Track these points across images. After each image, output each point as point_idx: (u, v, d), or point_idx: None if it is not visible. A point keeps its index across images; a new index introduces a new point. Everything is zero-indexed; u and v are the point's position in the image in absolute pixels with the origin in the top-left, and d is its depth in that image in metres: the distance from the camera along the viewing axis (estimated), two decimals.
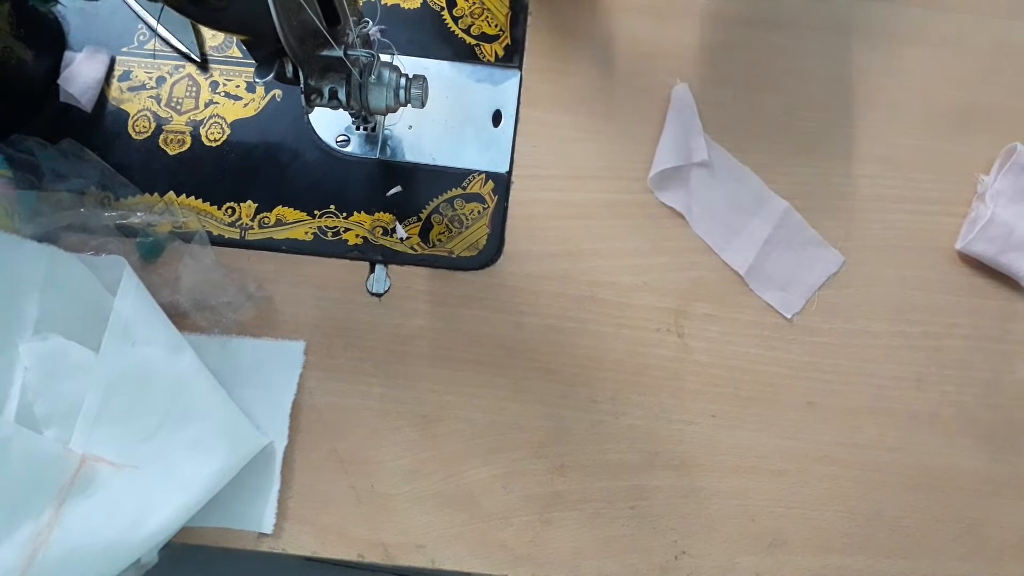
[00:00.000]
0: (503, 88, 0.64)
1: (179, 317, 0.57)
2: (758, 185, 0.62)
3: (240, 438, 0.54)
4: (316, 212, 0.61)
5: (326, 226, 0.60)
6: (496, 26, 0.65)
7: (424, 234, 0.61)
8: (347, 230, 0.60)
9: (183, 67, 0.64)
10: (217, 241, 0.60)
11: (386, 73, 0.53)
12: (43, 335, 0.53)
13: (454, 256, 0.60)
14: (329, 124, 0.63)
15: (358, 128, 0.62)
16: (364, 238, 0.60)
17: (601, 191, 0.62)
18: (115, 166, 0.60)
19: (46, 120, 0.62)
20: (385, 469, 0.56)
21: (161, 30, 0.64)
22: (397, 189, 0.61)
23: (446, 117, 0.63)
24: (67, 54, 0.63)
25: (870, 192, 0.62)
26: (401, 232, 0.60)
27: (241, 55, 0.64)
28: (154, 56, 0.64)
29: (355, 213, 0.61)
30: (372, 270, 0.60)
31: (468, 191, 0.62)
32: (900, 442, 0.58)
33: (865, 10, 0.66)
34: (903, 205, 0.62)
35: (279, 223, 0.60)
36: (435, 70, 0.64)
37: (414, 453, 0.56)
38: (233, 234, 0.60)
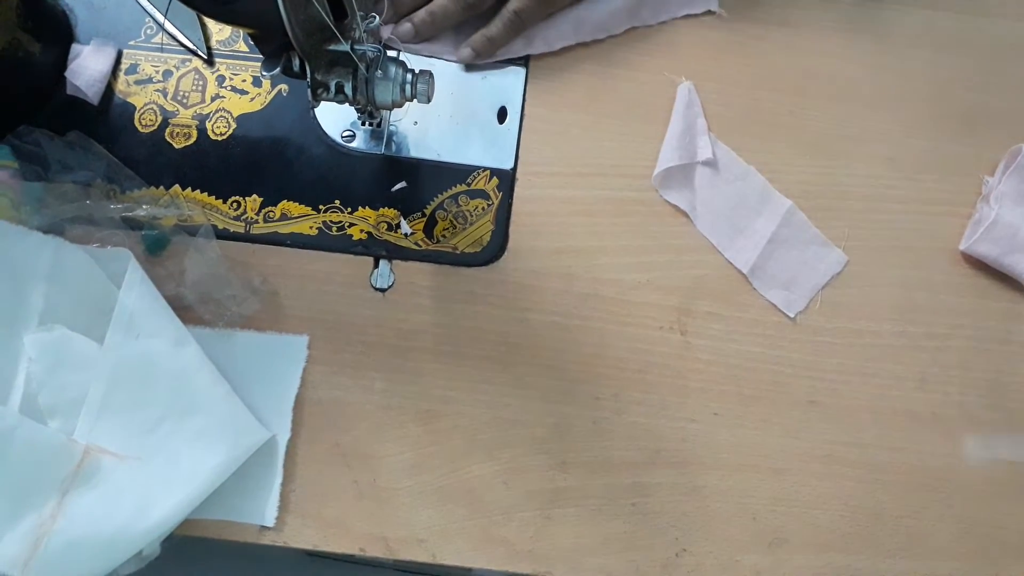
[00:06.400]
0: (509, 85, 0.64)
1: (183, 310, 0.57)
2: (762, 184, 0.62)
3: (243, 431, 0.54)
4: (321, 207, 0.61)
5: (331, 221, 0.60)
6: None
7: (428, 230, 0.61)
8: (351, 225, 0.60)
9: (190, 61, 0.64)
10: (222, 235, 0.60)
11: (392, 68, 0.53)
12: (48, 326, 0.53)
13: (458, 252, 0.60)
14: (335, 119, 0.63)
15: (364, 123, 0.62)
16: (368, 233, 0.60)
17: (605, 189, 0.62)
18: (121, 159, 0.60)
19: (53, 112, 0.62)
20: (387, 464, 0.56)
21: (168, 24, 0.64)
22: (402, 185, 0.62)
23: (451, 113, 0.63)
24: (74, 47, 0.64)
25: (874, 192, 0.62)
26: (405, 228, 0.60)
27: (248, 49, 0.65)
28: (161, 50, 0.64)
29: (360, 208, 0.61)
30: (376, 265, 0.60)
31: (473, 187, 0.62)
32: (902, 442, 0.58)
33: (872, 10, 0.66)
34: (907, 205, 0.62)
35: (284, 217, 0.61)
36: (441, 66, 0.64)
37: (416, 448, 0.56)
38: (238, 228, 0.60)
